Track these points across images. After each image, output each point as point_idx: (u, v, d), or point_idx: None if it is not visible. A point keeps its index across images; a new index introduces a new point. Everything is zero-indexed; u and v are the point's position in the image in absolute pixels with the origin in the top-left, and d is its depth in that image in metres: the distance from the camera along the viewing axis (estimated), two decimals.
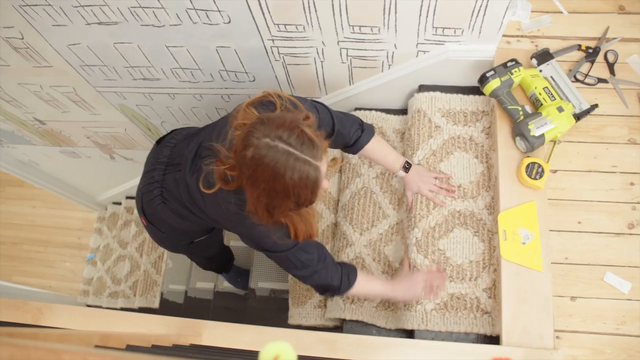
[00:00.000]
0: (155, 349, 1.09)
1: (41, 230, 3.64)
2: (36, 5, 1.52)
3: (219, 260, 2.12)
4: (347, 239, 1.74)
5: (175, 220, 1.45)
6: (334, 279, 1.35)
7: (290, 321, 1.82)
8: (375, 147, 1.50)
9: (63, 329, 1.40)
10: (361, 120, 1.48)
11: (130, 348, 1.00)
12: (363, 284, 1.42)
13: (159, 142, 1.57)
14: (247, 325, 1.43)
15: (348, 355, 1.32)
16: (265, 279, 2.10)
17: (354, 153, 1.51)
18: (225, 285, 2.30)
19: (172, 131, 1.60)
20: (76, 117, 2.25)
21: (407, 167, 1.58)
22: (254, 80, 1.85)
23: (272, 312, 2.03)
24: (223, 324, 1.41)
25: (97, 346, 0.91)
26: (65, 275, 3.49)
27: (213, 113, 2.12)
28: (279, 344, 0.53)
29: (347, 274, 1.38)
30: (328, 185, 1.21)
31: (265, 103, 1.21)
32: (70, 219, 3.61)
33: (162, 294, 2.68)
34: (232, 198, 1.20)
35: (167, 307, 2.62)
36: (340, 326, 1.73)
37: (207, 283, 2.48)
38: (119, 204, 3.45)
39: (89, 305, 3.12)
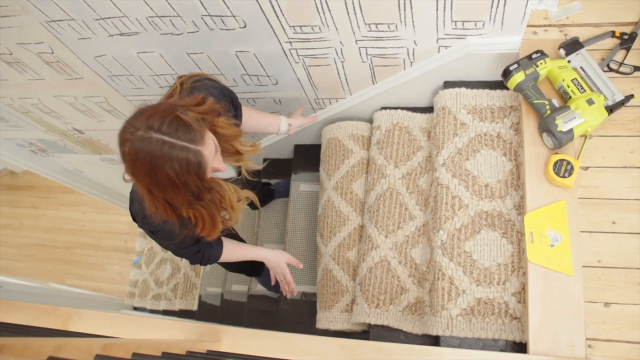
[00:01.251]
0: (165, 357, 1.09)
1: (91, 235, 3.79)
2: (60, 20, 1.56)
3: (235, 263, 2.11)
4: (372, 242, 1.71)
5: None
6: (194, 260, 1.49)
7: (318, 325, 1.81)
8: (249, 113, 1.57)
9: (88, 334, 1.44)
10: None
11: (137, 356, 1.01)
12: (227, 256, 1.55)
13: None
14: (267, 331, 1.42)
15: None
16: (295, 281, 2.08)
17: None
18: (258, 288, 2.31)
19: None
20: (111, 125, 2.31)
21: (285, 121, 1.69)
22: (276, 83, 1.84)
23: (303, 316, 2.02)
24: (242, 330, 1.41)
25: (98, 355, 0.91)
26: (114, 278, 3.61)
27: None
28: None
29: (206, 260, 1.50)
30: (224, 168, 1.18)
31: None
32: (117, 224, 3.74)
33: (200, 296, 2.72)
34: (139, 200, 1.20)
35: (205, 310, 2.66)
36: (368, 331, 1.70)
37: (242, 286, 2.50)
38: None
39: (135, 308, 3.21)
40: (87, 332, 1.46)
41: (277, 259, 1.61)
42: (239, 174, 1.49)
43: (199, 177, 1.06)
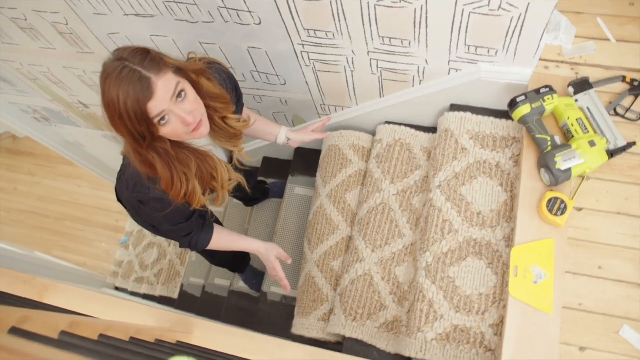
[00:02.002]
0: (133, 342, 1.08)
1: (84, 209, 3.78)
2: None
3: (221, 254, 2.10)
4: (358, 254, 1.70)
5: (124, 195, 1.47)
6: (183, 243, 1.48)
7: (294, 330, 1.80)
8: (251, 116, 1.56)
9: (61, 308, 1.43)
10: None
11: (103, 338, 1.00)
12: (216, 243, 1.53)
13: None
14: (241, 330, 1.41)
15: None
16: (278, 284, 2.08)
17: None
18: (240, 285, 2.30)
19: None
20: None
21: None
22: (285, 84, 1.84)
23: (281, 318, 2.01)
24: (216, 325, 1.40)
25: (63, 332, 0.90)
26: (100, 255, 3.60)
27: None
28: (184, 359, 0.51)
29: (195, 243, 1.48)
30: (192, 120, 1.11)
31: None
32: (111, 201, 3.72)
33: (182, 285, 2.71)
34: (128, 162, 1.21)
35: (186, 299, 2.65)
36: (341, 343, 1.69)
37: (224, 280, 2.49)
38: None
39: (116, 288, 3.20)
40: (61, 306, 1.45)
41: (267, 252, 1.59)
42: (230, 160, 1.49)
43: (140, 107, 1.02)
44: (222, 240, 1.55)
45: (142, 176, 1.19)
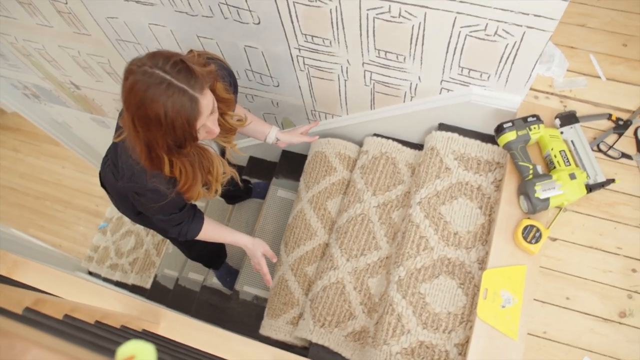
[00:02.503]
0: (98, 326, 1.07)
1: (65, 191, 3.75)
2: None
3: (198, 249, 2.11)
4: (332, 262, 1.71)
5: (114, 182, 1.46)
6: (173, 232, 1.47)
7: (261, 331, 1.80)
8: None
9: (30, 286, 1.42)
10: None
11: (68, 318, 1.00)
12: (205, 234, 1.52)
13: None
14: (207, 325, 1.41)
15: None
16: (251, 284, 2.08)
17: None
18: (214, 281, 2.29)
19: None
20: (109, 88, 2.30)
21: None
22: (278, 86, 1.85)
23: (251, 318, 2.00)
24: (183, 318, 1.39)
25: (27, 308, 0.90)
26: (76, 238, 3.57)
27: None
28: (140, 344, 0.51)
29: (185, 232, 1.47)
30: (218, 131, 1.18)
31: None
32: (93, 185, 3.70)
33: (156, 276, 2.69)
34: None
35: (158, 290, 2.64)
36: (308, 348, 1.69)
37: (198, 275, 2.48)
38: None
39: (90, 272, 3.18)
40: (30, 284, 1.44)
41: (254, 247, 1.58)
42: (223, 154, 1.49)
43: (189, 124, 1.06)
44: (211, 231, 1.55)
45: (147, 171, 1.20)
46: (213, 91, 1.18)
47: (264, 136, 1.69)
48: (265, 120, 2.13)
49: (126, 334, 1.16)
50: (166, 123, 1.04)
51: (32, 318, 0.85)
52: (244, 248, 1.61)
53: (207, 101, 1.08)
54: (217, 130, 1.17)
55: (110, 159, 1.44)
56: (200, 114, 1.07)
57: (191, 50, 1.26)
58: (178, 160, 1.17)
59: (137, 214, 1.66)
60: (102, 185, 1.58)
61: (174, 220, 1.43)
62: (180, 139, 1.09)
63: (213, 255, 2.17)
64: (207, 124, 1.13)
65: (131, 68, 1.04)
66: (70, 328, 0.91)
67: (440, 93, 1.60)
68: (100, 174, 1.56)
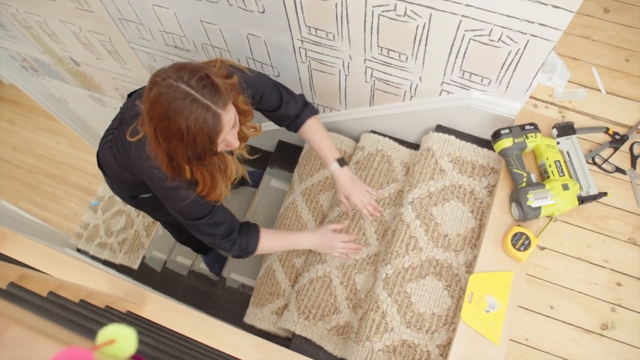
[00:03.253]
0: (82, 305, 1.07)
1: (58, 166, 3.73)
2: None
3: (188, 233, 2.06)
4: (320, 255, 1.71)
5: (115, 167, 1.45)
6: (233, 249, 1.43)
7: (246, 319, 1.80)
8: (314, 126, 1.53)
9: (16, 260, 1.41)
10: (306, 100, 1.52)
11: (52, 296, 0.99)
12: (266, 244, 1.48)
13: (130, 94, 1.58)
14: (191, 310, 1.41)
15: None
16: (238, 271, 2.08)
17: (295, 131, 1.53)
18: (201, 266, 2.29)
19: (144, 87, 1.59)
20: (108, 66, 2.29)
21: (341, 162, 1.57)
22: (278, 76, 1.84)
23: (236, 306, 2.01)
24: (168, 302, 1.39)
25: (11, 283, 0.90)
26: (67, 214, 3.56)
27: None
28: (121, 328, 0.51)
29: (246, 246, 1.44)
30: (237, 144, 1.20)
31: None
32: (87, 163, 3.69)
33: (144, 257, 2.69)
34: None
35: (145, 272, 2.64)
36: (290, 339, 1.70)
37: (186, 259, 2.48)
38: None
39: (78, 249, 3.17)
40: (16, 258, 1.44)
41: (323, 242, 1.58)
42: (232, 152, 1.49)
43: (210, 140, 1.07)
44: (272, 239, 1.51)
45: (167, 177, 1.19)
46: (235, 105, 1.18)
47: (329, 162, 1.59)
48: None
49: (110, 314, 1.16)
50: (188, 138, 1.04)
51: (16, 294, 0.85)
52: (315, 249, 1.61)
53: (229, 117, 1.08)
54: (236, 144, 1.18)
55: (116, 147, 1.41)
56: (222, 129, 1.07)
57: (216, 60, 1.24)
58: (198, 169, 1.18)
59: (132, 198, 1.65)
60: (99, 165, 1.57)
61: (219, 231, 1.39)
62: (201, 153, 1.09)
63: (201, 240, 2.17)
64: (228, 137, 1.14)
65: (156, 79, 1.03)
66: (54, 306, 0.91)
67: (440, 95, 1.60)
68: (98, 154, 1.55)
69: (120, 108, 1.54)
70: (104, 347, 0.50)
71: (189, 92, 1.01)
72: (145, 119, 1.09)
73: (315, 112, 1.54)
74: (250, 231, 1.46)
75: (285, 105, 1.47)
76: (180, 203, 1.27)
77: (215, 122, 1.05)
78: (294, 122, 1.52)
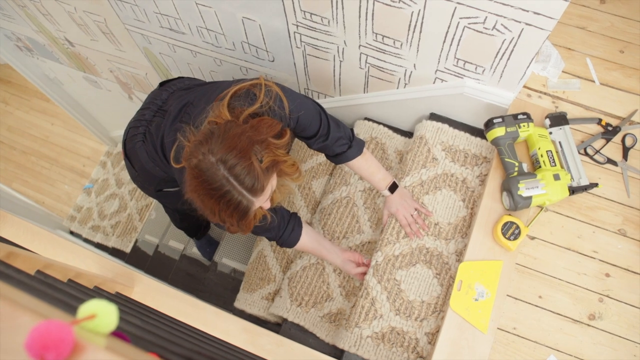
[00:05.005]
0: (70, 285, 1.07)
1: (52, 148, 3.71)
2: None
3: (190, 221, 2.09)
4: None
5: (147, 162, 1.43)
6: (277, 236, 1.46)
7: (236, 304, 1.81)
8: (361, 164, 1.47)
9: (6, 240, 1.41)
10: (352, 134, 1.42)
11: (40, 274, 0.99)
12: (305, 245, 1.51)
13: (162, 84, 1.55)
14: (181, 293, 1.41)
15: (263, 352, 1.29)
16: (230, 256, 2.08)
17: (337, 163, 1.48)
18: (193, 250, 2.29)
19: (178, 78, 1.57)
20: (103, 48, 2.27)
21: (392, 188, 1.54)
22: (273, 61, 1.83)
23: (227, 290, 2.01)
24: (157, 284, 1.40)
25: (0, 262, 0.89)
26: (60, 197, 3.55)
27: None
28: (103, 303, 0.51)
29: (283, 240, 1.46)
30: (268, 206, 1.20)
31: (250, 94, 1.16)
32: (81, 145, 3.67)
33: (136, 241, 2.69)
34: None
35: (137, 255, 2.64)
36: (280, 324, 1.70)
37: (179, 244, 2.48)
38: None
39: (71, 232, 3.16)
40: (7, 237, 1.43)
41: (344, 268, 1.61)
42: None
43: (238, 222, 1.08)
44: (310, 243, 1.53)
45: None
46: (280, 170, 1.14)
47: (381, 187, 1.57)
48: None
49: (98, 295, 1.16)
50: (218, 217, 1.06)
51: (2, 271, 0.85)
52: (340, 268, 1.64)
53: (263, 199, 1.08)
54: (267, 206, 1.18)
55: (151, 142, 1.39)
56: (252, 212, 1.08)
57: (258, 78, 1.19)
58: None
59: (157, 191, 1.65)
60: (127, 155, 1.53)
61: (270, 234, 1.42)
62: (229, 226, 1.11)
63: (200, 227, 2.17)
64: (260, 204, 1.13)
65: (197, 153, 1.01)
66: (41, 284, 0.91)
67: (434, 82, 1.59)
68: (125, 144, 1.51)
69: (150, 97, 1.50)
70: (84, 322, 0.50)
71: (227, 179, 1.00)
72: (185, 180, 1.07)
73: (360, 150, 1.44)
74: (295, 228, 1.47)
75: (324, 139, 1.36)
76: None
77: (246, 208, 1.05)
78: (335, 158, 1.44)
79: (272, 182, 1.10)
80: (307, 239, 1.51)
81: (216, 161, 1.00)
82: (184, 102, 1.31)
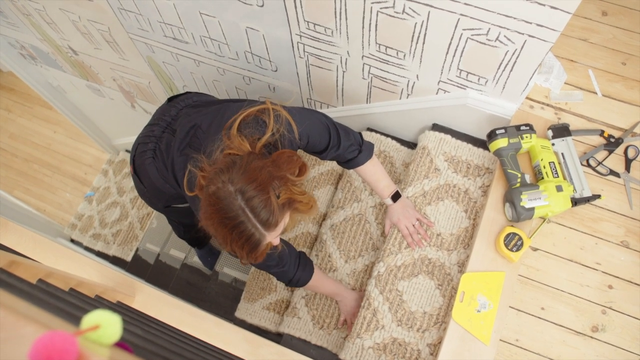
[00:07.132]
0: (72, 293, 1.07)
1: (54, 156, 3.72)
2: None
3: (194, 232, 2.08)
4: (332, 263, 1.70)
5: (157, 179, 1.43)
6: (289, 277, 1.44)
7: (237, 314, 1.80)
8: (369, 169, 1.47)
9: (8, 247, 1.41)
10: (362, 139, 1.43)
11: (42, 283, 0.99)
12: (315, 283, 1.50)
13: (170, 99, 1.55)
14: (182, 302, 1.41)
15: None
16: (231, 266, 2.08)
17: (348, 169, 1.49)
18: (194, 259, 2.29)
19: (186, 93, 1.57)
20: (107, 56, 2.28)
21: (395, 197, 1.55)
22: (276, 71, 1.84)
23: (228, 300, 2.01)
24: (159, 293, 1.39)
25: (0, 269, 0.89)
26: (61, 205, 3.55)
27: (232, 91, 2.12)
28: (107, 314, 0.50)
29: (296, 280, 1.45)
30: (277, 243, 1.20)
31: (260, 121, 1.15)
32: (83, 153, 3.68)
33: (137, 249, 2.69)
34: None
35: (138, 264, 2.63)
36: (281, 334, 1.69)
37: (180, 252, 2.48)
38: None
39: (72, 240, 3.16)
40: (8, 245, 1.43)
41: (342, 309, 1.63)
42: None
43: (248, 254, 1.08)
44: (319, 281, 1.53)
45: None
46: (295, 207, 1.13)
47: (384, 195, 1.57)
48: None
49: (100, 304, 1.15)
50: (230, 246, 1.06)
51: (4, 279, 0.85)
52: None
53: (275, 234, 1.08)
54: (276, 243, 1.17)
55: (161, 160, 1.38)
56: (263, 245, 1.08)
57: (264, 102, 1.18)
58: None
59: (166, 207, 1.65)
60: (135, 171, 1.53)
61: (271, 261, 1.40)
62: (240, 256, 1.11)
63: (201, 238, 2.17)
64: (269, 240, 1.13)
65: (217, 180, 1.02)
66: (43, 293, 0.90)
67: (436, 93, 1.59)
68: (134, 160, 1.50)
69: (158, 112, 1.50)
70: (87, 333, 0.49)
71: (243, 210, 1.00)
72: (200, 207, 1.07)
73: (370, 153, 1.45)
74: (306, 268, 1.47)
75: (336, 149, 1.36)
76: None
77: (258, 242, 1.06)
78: (346, 163, 1.45)
79: (286, 219, 1.10)
80: (317, 276, 1.51)
81: (235, 191, 1.00)
82: (192, 124, 1.30)
